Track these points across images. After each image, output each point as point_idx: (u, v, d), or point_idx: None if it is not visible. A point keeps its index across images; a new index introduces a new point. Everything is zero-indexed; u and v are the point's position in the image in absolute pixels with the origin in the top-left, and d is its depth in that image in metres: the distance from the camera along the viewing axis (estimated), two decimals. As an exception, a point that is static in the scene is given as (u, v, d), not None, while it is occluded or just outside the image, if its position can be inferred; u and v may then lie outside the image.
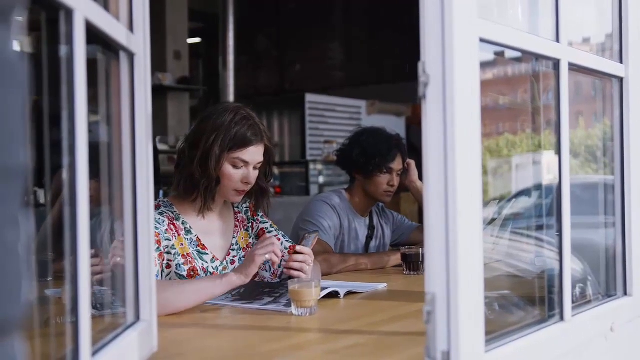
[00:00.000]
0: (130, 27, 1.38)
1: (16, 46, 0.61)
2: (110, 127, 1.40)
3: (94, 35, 1.14)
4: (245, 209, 2.49)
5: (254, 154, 2.27)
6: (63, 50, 1.04)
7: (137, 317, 1.41)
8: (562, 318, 1.55)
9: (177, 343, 1.69)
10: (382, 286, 2.42)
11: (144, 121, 1.41)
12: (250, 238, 2.45)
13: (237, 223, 2.44)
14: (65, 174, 1.05)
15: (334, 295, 2.18)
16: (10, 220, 0.59)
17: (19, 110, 0.59)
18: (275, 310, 1.97)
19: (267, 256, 2.04)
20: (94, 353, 1.12)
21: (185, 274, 2.21)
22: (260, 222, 2.49)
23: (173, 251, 2.21)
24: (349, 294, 2.25)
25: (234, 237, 2.41)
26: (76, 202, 1.03)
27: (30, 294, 0.62)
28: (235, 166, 2.25)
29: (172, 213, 2.27)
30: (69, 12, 1.02)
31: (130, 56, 1.38)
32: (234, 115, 2.25)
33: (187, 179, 2.26)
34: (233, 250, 2.39)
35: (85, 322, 1.04)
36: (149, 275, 1.43)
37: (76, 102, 1.03)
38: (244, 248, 2.42)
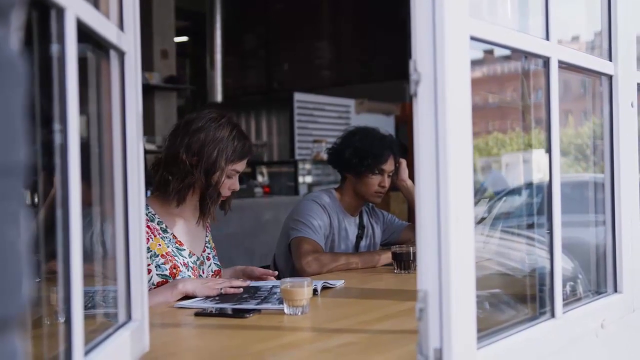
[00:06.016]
0: (121, 26, 1.38)
1: (15, 45, 0.61)
2: (100, 126, 1.40)
3: (84, 34, 1.14)
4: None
5: (245, 164, 2.44)
6: (54, 48, 1.03)
7: (129, 317, 1.40)
8: (553, 315, 1.55)
9: (168, 343, 1.68)
10: (339, 283, 2.44)
11: (135, 120, 1.40)
12: (212, 242, 2.59)
13: (207, 225, 2.56)
14: (55, 174, 1.04)
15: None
16: (12, 218, 0.59)
17: (19, 109, 0.60)
18: (271, 309, 1.97)
19: (222, 291, 2.18)
20: (86, 353, 1.11)
21: (167, 272, 2.29)
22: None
23: (149, 253, 2.25)
24: (325, 288, 2.30)
25: (206, 236, 2.53)
26: (68, 203, 1.02)
27: (30, 291, 0.62)
28: (228, 176, 2.38)
29: (147, 215, 2.32)
30: (60, 11, 1.01)
31: (121, 55, 1.37)
32: (232, 129, 2.37)
33: (188, 188, 2.33)
34: (207, 247, 2.52)
35: (77, 323, 1.03)
36: (141, 275, 1.42)
37: (68, 101, 1.02)
38: (213, 247, 2.56)
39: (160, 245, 2.31)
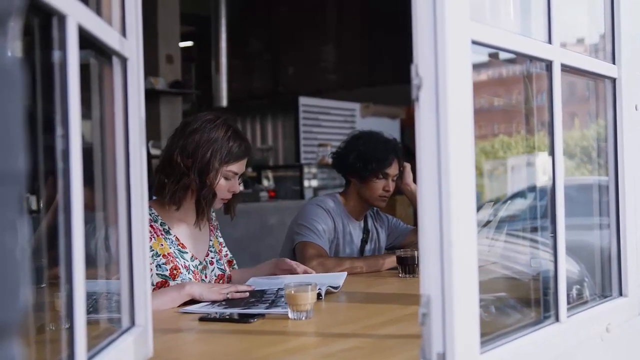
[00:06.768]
0: (123, 32, 1.38)
1: (13, 52, 0.61)
2: (104, 132, 1.40)
3: (87, 40, 1.14)
4: (214, 217, 2.61)
5: (244, 165, 2.42)
6: (56, 55, 1.03)
7: (133, 322, 1.40)
8: (557, 319, 1.55)
9: (172, 348, 1.68)
10: (343, 276, 2.49)
11: (138, 126, 1.41)
12: (219, 244, 2.58)
13: (212, 227, 2.56)
14: (58, 180, 1.04)
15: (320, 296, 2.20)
16: (9, 225, 0.59)
17: (16, 116, 0.60)
18: (280, 312, 1.96)
19: (228, 296, 2.19)
20: (89, 358, 1.12)
21: (167, 273, 2.30)
22: (220, 237, 2.62)
23: (151, 252, 2.26)
24: (328, 293, 2.30)
25: (210, 240, 2.52)
26: (70, 208, 1.02)
27: (28, 298, 0.63)
28: (226, 178, 2.37)
29: (150, 215, 2.33)
30: (62, 18, 1.01)
31: (123, 61, 1.38)
32: (227, 130, 2.36)
33: (183, 190, 2.33)
34: (211, 251, 2.51)
35: (80, 328, 1.03)
36: (144, 280, 1.42)
37: (69, 108, 1.03)
38: (218, 251, 2.54)
39: (162, 245, 2.31)
